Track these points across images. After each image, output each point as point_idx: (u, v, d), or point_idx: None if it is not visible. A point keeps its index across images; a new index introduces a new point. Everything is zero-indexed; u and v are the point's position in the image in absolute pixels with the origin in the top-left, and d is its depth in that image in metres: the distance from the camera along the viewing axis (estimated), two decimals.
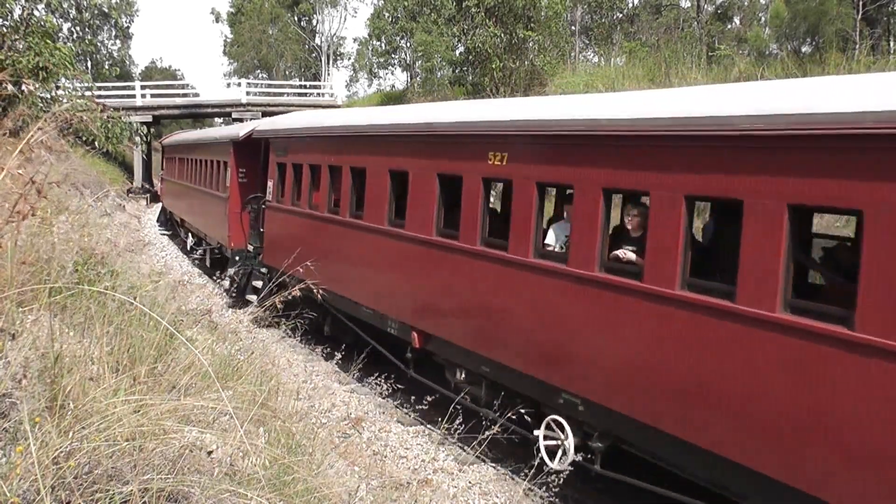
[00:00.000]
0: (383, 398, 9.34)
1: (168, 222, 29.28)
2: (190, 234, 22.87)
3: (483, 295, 8.04)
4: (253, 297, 14.71)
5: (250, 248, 15.48)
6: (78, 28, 47.60)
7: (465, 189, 8.29)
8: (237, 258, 16.08)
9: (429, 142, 9.09)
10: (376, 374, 8.09)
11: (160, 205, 33.22)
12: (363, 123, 10.95)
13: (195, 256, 21.62)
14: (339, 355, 8.51)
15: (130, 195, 37.76)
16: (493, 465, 8.25)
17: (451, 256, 8.51)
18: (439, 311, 8.87)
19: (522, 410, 7.41)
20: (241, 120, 39.92)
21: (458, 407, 7.51)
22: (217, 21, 70.41)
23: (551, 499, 7.06)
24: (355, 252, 10.74)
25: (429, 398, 7.83)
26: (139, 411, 3.50)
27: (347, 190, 10.96)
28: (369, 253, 10.32)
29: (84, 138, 16.41)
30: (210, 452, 3.64)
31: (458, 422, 6.90)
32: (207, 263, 20.31)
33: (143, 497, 2.96)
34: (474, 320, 8.23)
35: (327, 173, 11.66)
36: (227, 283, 16.50)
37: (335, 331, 11.92)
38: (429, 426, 9.35)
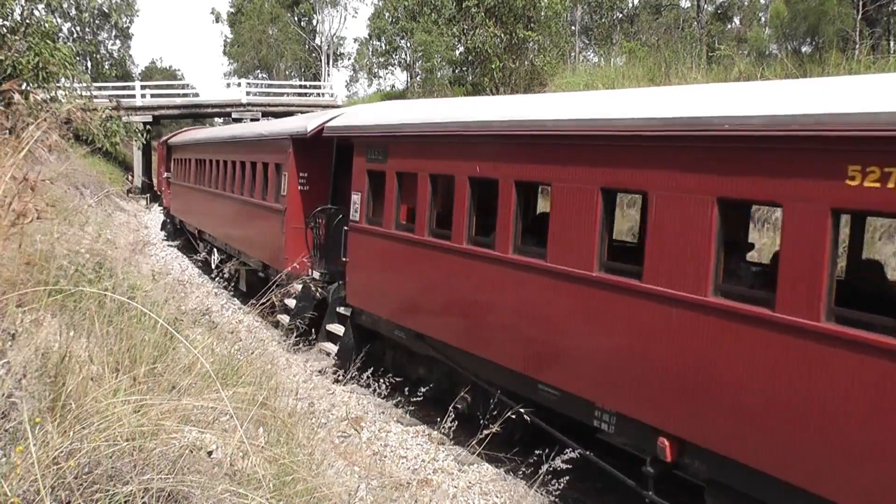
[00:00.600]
0: (383, 398, 9.24)
1: (176, 232, 26.11)
2: (215, 251, 18.94)
3: (832, 399, 4.97)
4: (329, 346, 11.54)
5: (316, 274, 12.29)
6: (78, 28, 47.66)
7: (790, 225, 5.24)
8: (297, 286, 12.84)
9: (700, 147, 5.85)
10: (372, 370, 7.98)
11: (162, 208, 31.49)
12: (548, 118, 7.39)
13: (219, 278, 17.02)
14: (334, 353, 8.33)
15: (130, 195, 37.76)
16: (493, 465, 8.25)
17: (749, 332, 5.49)
18: (714, 412, 5.75)
19: None
20: (240, 120, 39.99)
21: (458, 407, 7.32)
22: (217, 21, 70.62)
23: (551, 499, 7.06)
24: (526, 306, 7.55)
25: (423, 389, 7.74)
26: (139, 411, 3.51)
27: (509, 214, 7.79)
28: (557, 311, 7.18)
29: (84, 138, 16.36)
30: (210, 452, 3.64)
31: (451, 418, 6.75)
32: (242, 288, 15.81)
33: (143, 497, 2.96)
34: (799, 440, 5.17)
35: (467, 189, 8.42)
36: (282, 318, 12.69)
37: (478, 408, 8.25)
38: (428, 426, 9.36)
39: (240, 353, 6.93)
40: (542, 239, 7.42)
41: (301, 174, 13.04)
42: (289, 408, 6.22)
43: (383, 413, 9.86)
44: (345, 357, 10.67)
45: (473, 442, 6.05)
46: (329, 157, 12.41)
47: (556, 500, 7.07)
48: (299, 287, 12.33)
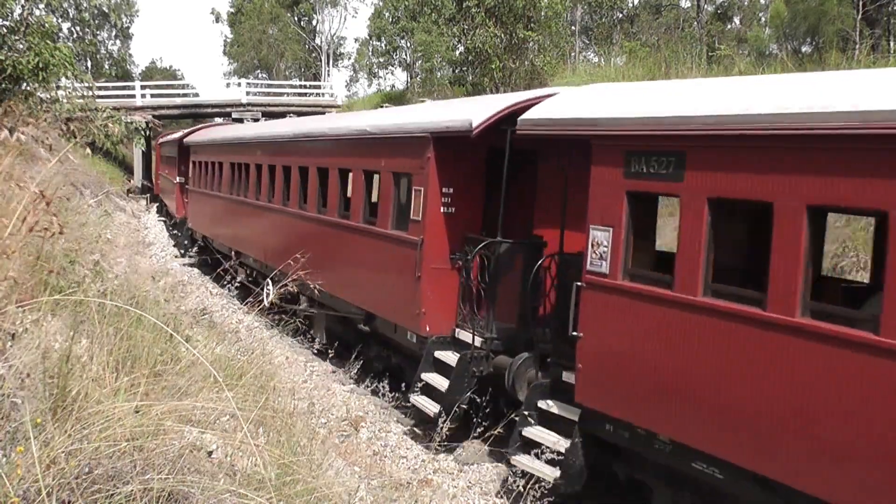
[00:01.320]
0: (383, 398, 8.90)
1: (195, 246, 21.33)
2: (269, 283, 13.83)
3: None
4: (525, 461, 7.32)
5: (477, 341, 8.60)
6: (78, 28, 47.73)
7: None
8: (436, 354, 8.99)
9: None
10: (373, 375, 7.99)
11: (166, 218, 29.85)
12: None
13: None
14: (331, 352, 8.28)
15: (130, 195, 37.72)
16: (493, 465, 8.26)
17: None
18: None
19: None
20: (241, 120, 39.99)
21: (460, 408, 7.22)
22: (217, 21, 70.69)
23: (551, 499, 7.06)
24: None
25: (419, 384, 7.68)
26: (140, 411, 3.52)
27: None
28: None
29: (85, 139, 16.32)
30: (210, 452, 3.65)
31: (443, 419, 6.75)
32: (320, 338, 10.78)
33: (144, 497, 2.97)
34: None
35: None
36: (422, 402, 8.89)
37: None
38: (422, 428, 9.35)
39: (240, 353, 6.94)
40: None
41: (445, 190, 9.12)
42: (289, 408, 6.23)
43: (384, 413, 9.86)
44: (574, 486, 7.00)
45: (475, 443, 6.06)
46: (479, 165, 9.18)
47: (556, 500, 7.08)
48: (448, 357, 8.84)
